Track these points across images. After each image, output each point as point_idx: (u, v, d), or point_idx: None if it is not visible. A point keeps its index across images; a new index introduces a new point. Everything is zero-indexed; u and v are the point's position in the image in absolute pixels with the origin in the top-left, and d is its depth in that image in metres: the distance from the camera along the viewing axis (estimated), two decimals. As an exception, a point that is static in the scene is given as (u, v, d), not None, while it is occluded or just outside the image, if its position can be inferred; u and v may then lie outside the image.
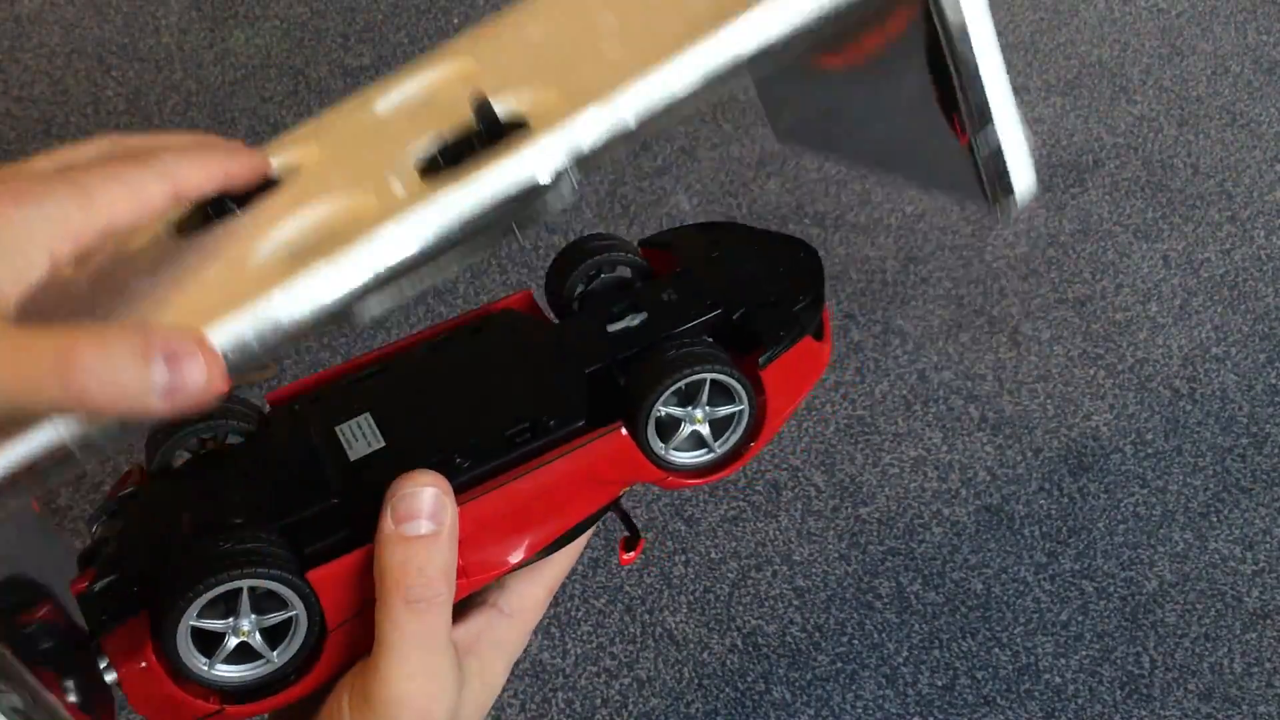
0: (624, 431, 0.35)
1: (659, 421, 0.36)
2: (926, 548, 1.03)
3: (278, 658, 0.32)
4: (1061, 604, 0.99)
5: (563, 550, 0.36)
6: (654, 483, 0.36)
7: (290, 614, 0.31)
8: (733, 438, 0.37)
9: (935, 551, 1.02)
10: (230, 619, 0.31)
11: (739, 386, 0.36)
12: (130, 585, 0.32)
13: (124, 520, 0.34)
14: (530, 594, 0.37)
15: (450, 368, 0.38)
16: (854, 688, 0.93)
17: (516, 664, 1.04)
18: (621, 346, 0.37)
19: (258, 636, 0.31)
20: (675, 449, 0.36)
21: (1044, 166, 1.47)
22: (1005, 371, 1.19)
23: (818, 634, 0.96)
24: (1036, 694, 0.93)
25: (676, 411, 0.36)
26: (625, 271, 0.41)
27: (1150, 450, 1.12)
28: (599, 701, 0.91)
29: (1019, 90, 1.75)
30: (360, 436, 0.35)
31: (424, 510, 0.32)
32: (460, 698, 0.33)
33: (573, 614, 0.96)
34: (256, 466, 0.35)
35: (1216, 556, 1.04)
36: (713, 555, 1.01)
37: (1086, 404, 1.17)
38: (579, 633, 0.94)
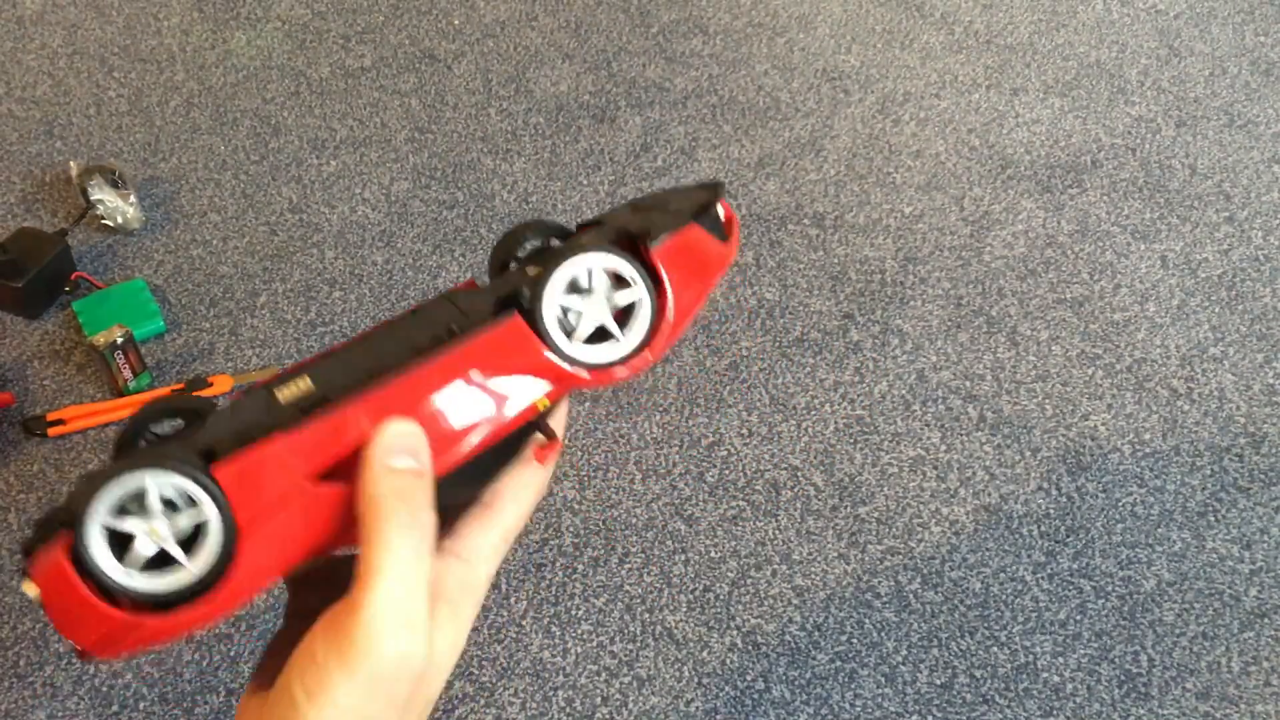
0: (519, 319, 0.36)
1: (564, 320, 0.37)
2: (925, 547, 1.03)
3: (193, 565, 0.32)
4: (1060, 603, 1.00)
5: (513, 499, 0.38)
6: (569, 382, 0.37)
7: (202, 516, 0.32)
8: (639, 326, 0.38)
9: (934, 550, 1.03)
10: (143, 521, 0.32)
11: (628, 266, 0.37)
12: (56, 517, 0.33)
13: None
14: (486, 540, 0.38)
15: (386, 337, 0.39)
16: (853, 686, 0.93)
17: (516, 662, 1.04)
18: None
19: (172, 542, 0.32)
20: (585, 344, 0.37)
21: (1043, 167, 1.47)
22: (1004, 371, 1.20)
23: (817, 633, 0.96)
24: (1035, 692, 0.93)
25: (575, 302, 0.37)
26: (555, 242, 0.42)
27: (1148, 450, 1.13)
28: (599, 700, 0.91)
29: (1019, 90, 1.76)
30: (294, 388, 0.36)
31: (411, 447, 0.34)
32: (434, 641, 0.33)
33: (573, 612, 0.96)
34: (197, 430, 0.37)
35: (1214, 556, 1.04)
36: (712, 554, 1.01)
37: (1084, 404, 1.17)
38: (579, 631, 0.95)
